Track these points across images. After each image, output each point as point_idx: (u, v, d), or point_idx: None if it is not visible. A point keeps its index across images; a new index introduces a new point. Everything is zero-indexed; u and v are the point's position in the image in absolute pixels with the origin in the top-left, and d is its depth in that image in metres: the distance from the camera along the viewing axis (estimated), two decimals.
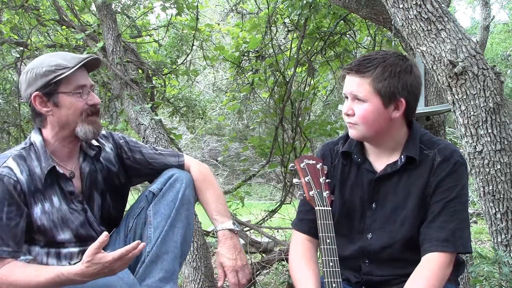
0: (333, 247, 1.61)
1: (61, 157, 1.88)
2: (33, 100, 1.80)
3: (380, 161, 1.77)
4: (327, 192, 1.71)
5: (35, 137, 1.86)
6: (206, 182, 2.04)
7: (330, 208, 1.68)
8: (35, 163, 1.82)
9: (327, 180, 1.75)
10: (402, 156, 1.72)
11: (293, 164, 1.80)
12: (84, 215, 1.91)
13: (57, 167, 1.83)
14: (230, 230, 1.96)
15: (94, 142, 1.95)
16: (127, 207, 2.12)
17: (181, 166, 2.06)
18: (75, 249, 1.89)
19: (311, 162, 1.77)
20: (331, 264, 1.58)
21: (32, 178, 1.79)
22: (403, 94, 1.68)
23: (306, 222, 1.84)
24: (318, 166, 1.76)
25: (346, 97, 1.74)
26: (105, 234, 1.62)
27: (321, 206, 1.68)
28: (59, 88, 1.79)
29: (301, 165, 1.76)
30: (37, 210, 1.80)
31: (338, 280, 1.56)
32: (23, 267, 1.73)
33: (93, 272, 1.63)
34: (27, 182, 1.78)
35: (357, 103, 1.69)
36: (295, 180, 1.78)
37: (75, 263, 1.81)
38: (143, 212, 1.96)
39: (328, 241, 1.62)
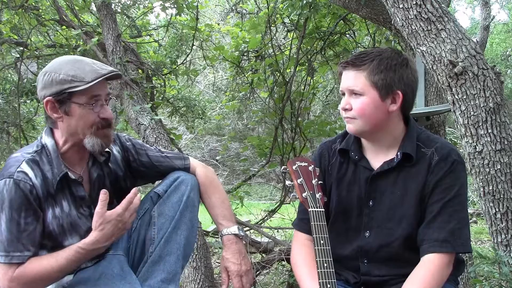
0: (327, 248, 1.61)
1: (71, 161, 1.85)
2: (45, 104, 1.77)
3: (377, 159, 1.77)
4: (319, 193, 1.72)
5: (46, 140, 1.82)
6: (212, 186, 2.04)
7: (323, 210, 1.68)
8: (47, 167, 1.78)
9: (319, 182, 1.75)
10: (399, 153, 1.72)
11: (286, 166, 1.80)
12: (92, 220, 1.89)
13: (69, 173, 1.81)
14: (235, 235, 1.96)
15: None
16: None
17: (187, 169, 2.04)
18: None
19: (303, 164, 1.77)
20: (325, 265, 1.58)
21: (45, 182, 1.77)
22: (399, 86, 1.68)
23: (306, 221, 1.82)
24: (310, 168, 1.76)
25: (343, 94, 1.74)
26: (103, 191, 1.68)
27: (314, 208, 1.68)
28: (72, 98, 1.74)
29: (294, 167, 1.76)
30: (49, 215, 1.79)
31: (333, 280, 1.56)
32: (39, 260, 1.74)
33: (108, 233, 1.70)
34: (41, 187, 1.75)
35: (354, 98, 1.70)
36: (288, 182, 1.79)
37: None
38: (147, 213, 1.95)
39: (322, 242, 1.62)
